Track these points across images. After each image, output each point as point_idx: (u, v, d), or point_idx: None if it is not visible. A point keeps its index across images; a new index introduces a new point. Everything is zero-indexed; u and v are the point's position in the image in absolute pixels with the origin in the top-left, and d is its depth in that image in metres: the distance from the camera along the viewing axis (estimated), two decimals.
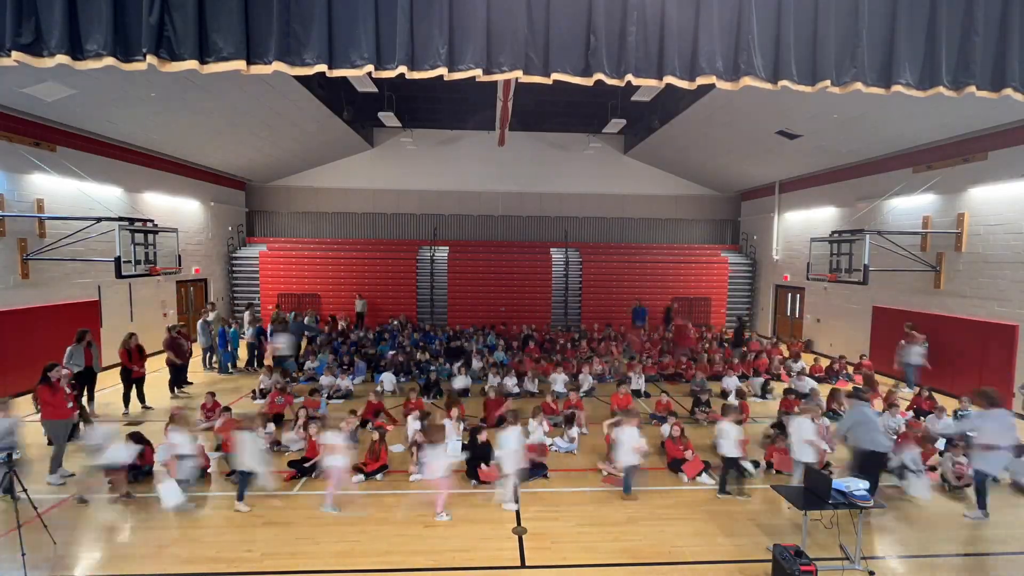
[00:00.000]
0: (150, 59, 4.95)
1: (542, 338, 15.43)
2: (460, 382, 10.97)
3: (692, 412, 9.76)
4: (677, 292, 19.51)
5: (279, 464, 7.27)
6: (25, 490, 5.34)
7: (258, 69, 5.23)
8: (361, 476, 6.97)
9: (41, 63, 5.01)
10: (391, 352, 13.18)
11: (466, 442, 7.60)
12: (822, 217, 15.89)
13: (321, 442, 6.54)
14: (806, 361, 13.37)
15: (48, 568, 5.05)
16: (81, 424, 8.21)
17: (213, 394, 9.18)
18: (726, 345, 15.16)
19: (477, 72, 5.40)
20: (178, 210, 15.61)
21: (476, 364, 12.56)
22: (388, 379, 11.31)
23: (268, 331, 13.11)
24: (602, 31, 5.43)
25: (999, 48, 5.84)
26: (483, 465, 7.03)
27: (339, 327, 16.57)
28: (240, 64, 5.12)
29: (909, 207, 12.73)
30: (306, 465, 7.14)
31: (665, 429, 8.20)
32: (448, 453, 6.53)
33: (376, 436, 7.38)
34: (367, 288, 18.73)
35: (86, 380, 9.29)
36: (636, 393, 11.00)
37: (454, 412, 8.20)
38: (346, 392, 10.86)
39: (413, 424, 7.98)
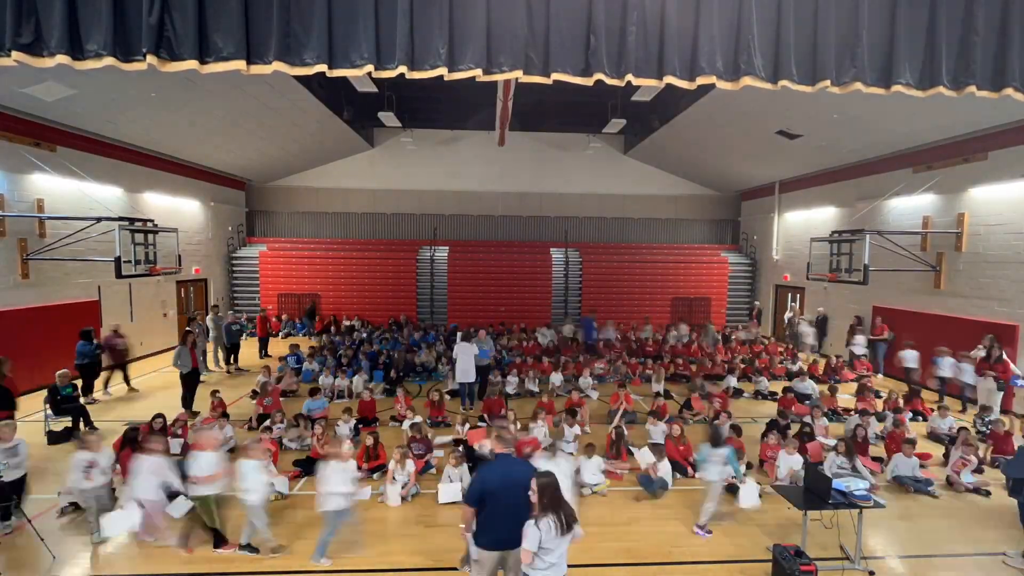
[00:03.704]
0: (150, 59, 4.95)
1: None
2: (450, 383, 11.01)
3: (680, 412, 9.77)
4: (677, 292, 19.51)
5: (283, 464, 7.27)
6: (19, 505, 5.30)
7: (258, 69, 5.23)
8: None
9: (41, 63, 5.00)
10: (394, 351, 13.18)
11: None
12: (822, 217, 15.89)
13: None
14: (804, 362, 13.39)
15: None
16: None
17: (216, 391, 9.17)
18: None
19: (477, 72, 5.39)
20: (178, 210, 15.60)
21: None
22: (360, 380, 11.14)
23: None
24: (602, 31, 5.43)
25: (999, 48, 5.83)
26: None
27: (341, 327, 16.61)
28: (240, 64, 5.11)
29: (909, 207, 12.72)
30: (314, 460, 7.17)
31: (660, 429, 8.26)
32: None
33: (370, 441, 7.37)
34: (367, 288, 18.75)
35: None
36: (658, 395, 10.97)
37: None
38: (346, 392, 10.85)
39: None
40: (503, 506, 3.94)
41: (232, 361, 13.32)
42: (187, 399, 9.69)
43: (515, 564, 3.99)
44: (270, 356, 14.03)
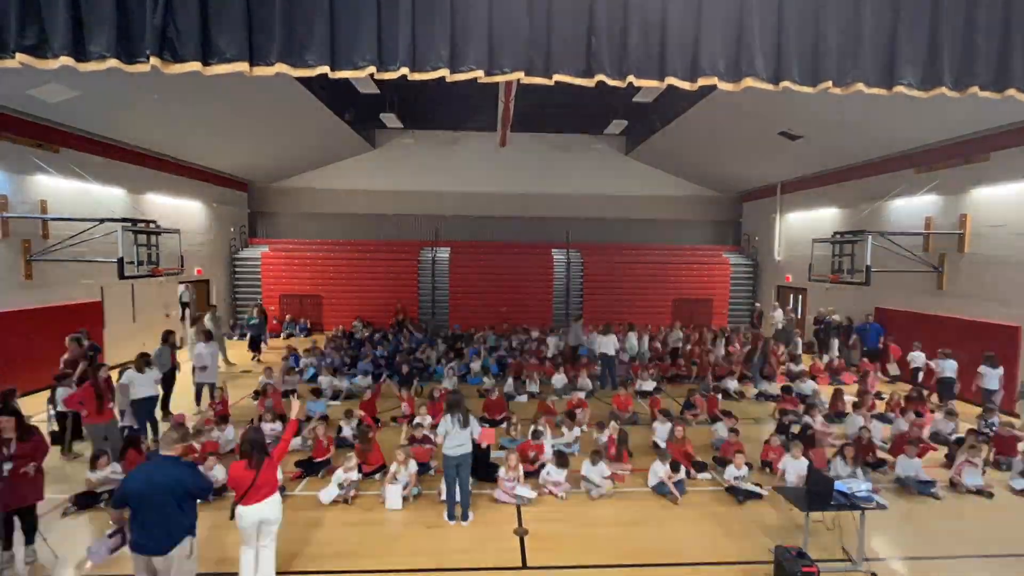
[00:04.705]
0: (153, 61, 4.97)
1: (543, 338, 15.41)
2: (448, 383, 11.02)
3: (681, 412, 9.78)
4: (679, 293, 19.50)
5: (285, 463, 7.27)
6: None
7: (261, 71, 5.24)
8: None
9: (45, 65, 5.02)
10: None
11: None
12: (824, 218, 15.87)
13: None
14: (805, 362, 13.35)
15: None
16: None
17: (222, 389, 9.18)
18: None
19: (479, 73, 5.40)
20: (181, 211, 15.64)
21: (475, 366, 12.56)
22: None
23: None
24: (603, 32, 5.42)
25: (1002, 48, 5.82)
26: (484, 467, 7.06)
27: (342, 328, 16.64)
28: (243, 66, 5.13)
29: (911, 208, 12.71)
30: (316, 461, 7.29)
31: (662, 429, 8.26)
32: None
33: (368, 435, 7.38)
34: (368, 289, 18.76)
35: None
36: (643, 394, 11.02)
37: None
38: (347, 392, 10.87)
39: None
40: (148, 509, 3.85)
41: (257, 351, 14.22)
42: (164, 400, 9.49)
43: (162, 568, 3.88)
44: (260, 361, 13.78)
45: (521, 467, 6.79)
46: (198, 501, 4.18)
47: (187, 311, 15.12)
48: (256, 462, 4.45)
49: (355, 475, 6.67)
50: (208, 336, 10.19)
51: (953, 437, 8.34)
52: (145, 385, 7.97)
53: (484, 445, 6.99)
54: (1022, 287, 10.11)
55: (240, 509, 4.51)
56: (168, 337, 9.77)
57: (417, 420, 8.38)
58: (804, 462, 6.70)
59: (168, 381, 9.60)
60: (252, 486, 4.42)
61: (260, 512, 4.52)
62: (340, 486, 6.51)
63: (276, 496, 4.64)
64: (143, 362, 8.00)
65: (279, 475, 5.06)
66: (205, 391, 9.90)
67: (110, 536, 4.36)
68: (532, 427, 7.93)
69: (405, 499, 6.44)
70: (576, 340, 12.82)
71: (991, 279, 10.72)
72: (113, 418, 7.45)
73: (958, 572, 5.35)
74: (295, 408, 5.22)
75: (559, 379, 11.58)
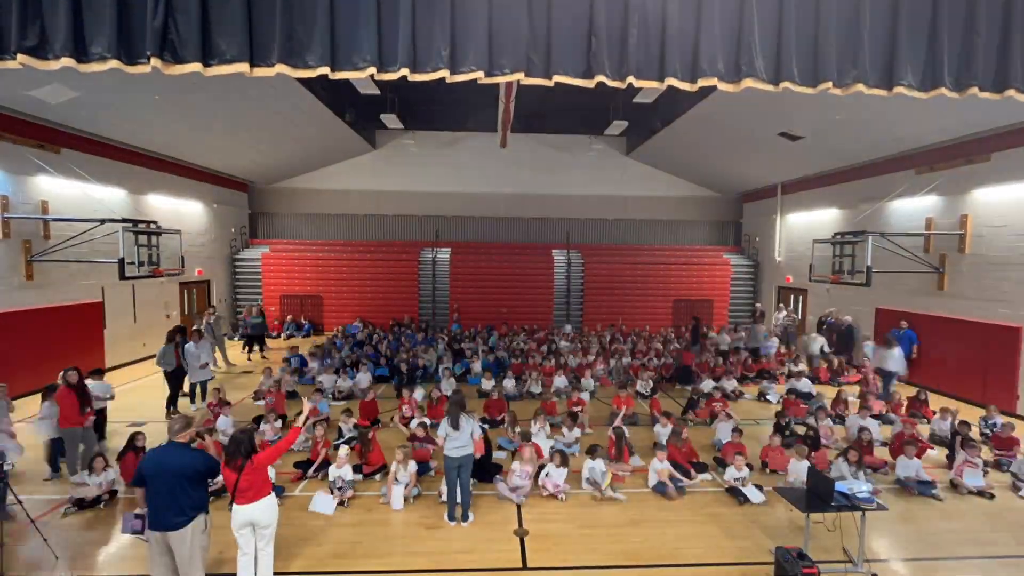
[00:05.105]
0: (154, 62, 4.97)
1: (545, 339, 15.41)
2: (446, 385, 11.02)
3: (684, 413, 9.78)
4: (679, 294, 19.49)
5: (285, 464, 7.28)
6: (19, 501, 5.30)
7: (261, 71, 5.24)
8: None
9: (46, 66, 5.03)
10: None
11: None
12: (825, 219, 15.86)
13: None
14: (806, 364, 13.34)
15: None
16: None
17: (219, 390, 9.21)
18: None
19: (479, 74, 5.40)
20: (181, 212, 15.67)
21: (476, 367, 12.55)
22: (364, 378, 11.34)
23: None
24: (603, 33, 5.42)
25: (1002, 49, 5.81)
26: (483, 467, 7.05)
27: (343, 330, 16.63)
28: (243, 67, 5.13)
29: (912, 209, 12.70)
30: (312, 469, 7.22)
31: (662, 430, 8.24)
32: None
33: (368, 435, 7.36)
34: (369, 289, 18.77)
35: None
36: (642, 395, 11.00)
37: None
38: (348, 392, 10.87)
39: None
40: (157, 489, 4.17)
41: (261, 350, 14.59)
42: (171, 399, 9.64)
43: (177, 545, 4.19)
44: (265, 358, 14.12)
45: (530, 462, 6.79)
46: (209, 482, 4.54)
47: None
48: (239, 464, 4.42)
49: (349, 474, 6.65)
50: (198, 336, 10.38)
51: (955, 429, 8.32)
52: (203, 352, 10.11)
53: (477, 455, 6.98)
54: (1023, 287, 10.09)
55: (233, 507, 4.53)
56: (173, 336, 9.79)
57: (417, 421, 8.38)
58: (805, 464, 6.69)
59: (175, 380, 9.66)
60: (236, 487, 4.42)
61: (248, 514, 4.49)
62: (332, 489, 6.48)
63: (266, 500, 4.58)
64: (198, 335, 10.24)
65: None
66: (199, 389, 10.14)
67: (136, 517, 4.48)
68: (531, 425, 7.94)
69: (405, 499, 6.44)
70: (756, 342, 12.87)
71: (992, 280, 10.71)
72: (88, 425, 7.23)
73: (959, 573, 5.34)
74: (307, 408, 5.20)
75: (560, 380, 11.57)
